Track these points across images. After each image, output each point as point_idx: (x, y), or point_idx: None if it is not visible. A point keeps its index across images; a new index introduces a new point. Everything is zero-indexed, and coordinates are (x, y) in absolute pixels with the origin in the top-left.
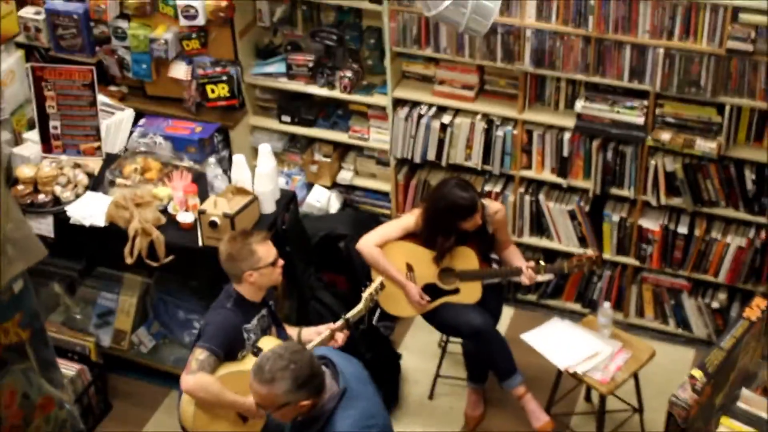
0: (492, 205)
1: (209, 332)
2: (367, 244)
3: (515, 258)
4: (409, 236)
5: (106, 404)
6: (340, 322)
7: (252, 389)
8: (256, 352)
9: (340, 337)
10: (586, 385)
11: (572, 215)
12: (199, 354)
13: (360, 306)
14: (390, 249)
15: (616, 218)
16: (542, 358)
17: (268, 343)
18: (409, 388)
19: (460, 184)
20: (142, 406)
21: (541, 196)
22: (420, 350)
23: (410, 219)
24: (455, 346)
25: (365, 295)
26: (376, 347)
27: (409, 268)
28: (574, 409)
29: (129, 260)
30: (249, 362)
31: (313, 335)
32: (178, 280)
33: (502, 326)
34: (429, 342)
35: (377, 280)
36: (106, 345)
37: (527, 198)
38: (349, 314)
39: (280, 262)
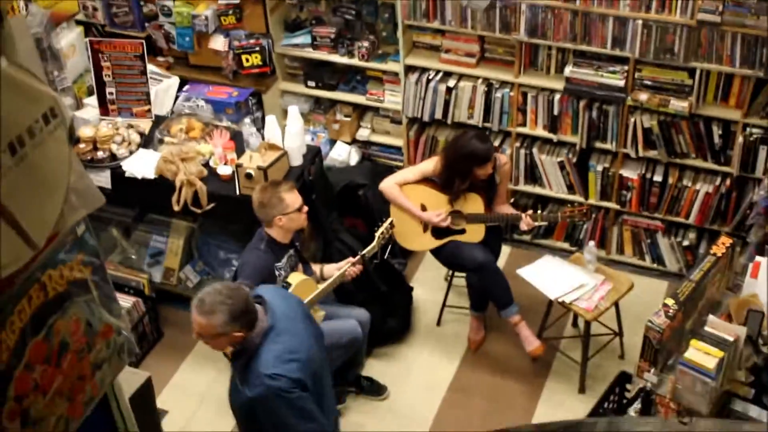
0: (502, 158)
1: (247, 271)
2: (389, 183)
3: (507, 212)
4: (425, 181)
5: (158, 331)
6: (357, 258)
7: (193, 319)
8: (286, 286)
9: (352, 271)
10: (573, 313)
11: (561, 166)
12: None
13: (373, 243)
14: (407, 190)
15: (600, 168)
16: (535, 290)
17: (296, 278)
18: (420, 317)
19: (480, 135)
20: (189, 333)
21: (535, 150)
22: (429, 283)
23: (429, 164)
24: (460, 280)
25: (378, 233)
26: (390, 281)
27: (423, 208)
28: (563, 334)
29: (176, 207)
30: None
31: (334, 270)
32: (218, 224)
33: (501, 262)
34: (437, 276)
35: (388, 220)
36: (158, 281)
37: (522, 151)
38: (365, 251)
39: (305, 208)
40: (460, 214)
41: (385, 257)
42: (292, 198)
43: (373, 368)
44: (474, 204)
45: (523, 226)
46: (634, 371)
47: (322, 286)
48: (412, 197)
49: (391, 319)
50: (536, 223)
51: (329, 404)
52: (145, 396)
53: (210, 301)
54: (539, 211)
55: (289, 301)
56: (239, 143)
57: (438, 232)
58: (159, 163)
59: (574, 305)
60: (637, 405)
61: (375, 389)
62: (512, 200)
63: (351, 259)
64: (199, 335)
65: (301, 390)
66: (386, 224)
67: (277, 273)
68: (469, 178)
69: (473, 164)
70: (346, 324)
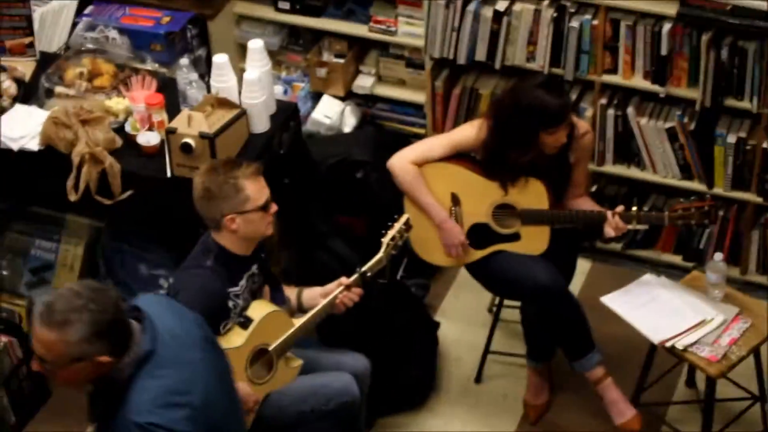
0: (581, 125)
1: (184, 300)
2: (402, 161)
3: (585, 208)
4: (459, 158)
5: (42, 390)
6: (353, 278)
7: (36, 337)
8: (245, 323)
9: (346, 298)
10: (688, 365)
11: (672, 135)
12: None
13: (379, 254)
14: (432, 172)
15: (731, 139)
16: (629, 329)
17: (260, 310)
18: (450, 368)
19: (550, 83)
20: None
21: (630, 110)
22: (464, 317)
23: (466, 131)
24: (511, 312)
25: (386, 239)
26: (406, 313)
27: (455, 200)
28: (672, 398)
29: (73, 197)
30: (235, 337)
31: (318, 297)
32: (139, 223)
33: (575, 286)
34: (476, 306)
35: (403, 216)
36: None
37: (611, 112)
38: (366, 266)
39: (274, 207)
40: (513, 211)
41: (398, 276)
42: (256, 189)
43: None
44: (534, 195)
45: (609, 231)
46: None
47: (300, 322)
48: (438, 181)
49: (407, 370)
50: (630, 226)
51: None
52: None
53: (63, 307)
54: (634, 208)
55: (182, 318)
56: (171, 97)
57: (478, 235)
58: (46, 127)
59: (690, 353)
60: None
61: None
62: (593, 189)
63: (344, 280)
64: (40, 361)
65: None
66: (399, 225)
67: (231, 303)
68: (531, 151)
69: (539, 127)
70: (334, 380)
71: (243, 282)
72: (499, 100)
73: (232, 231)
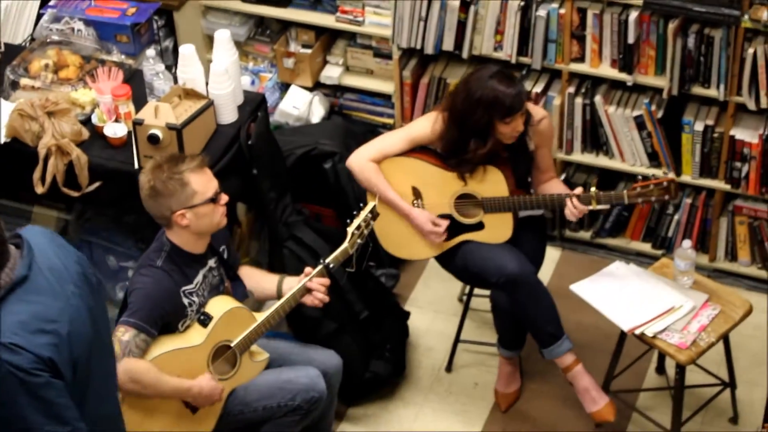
0: (536, 111)
1: (133, 303)
2: (360, 159)
3: (550, 192)
4: (418, 151)
5: None
6: (317, 268)
7: None
8: (204, 320)
9: (317, 299)
10: (658, 352)
11: (640, 123)
12: (123, 333)
13: (345, 244)
14: (391, 167)
15: (699, 127)
16: (598, 316)
17: (220, 307)
18: (420, 358)
19: (504, 73)
20: None
21: (598, 99)
22: (434, 306)
23: (423, 125)
24: (481, 300)
25: (351, 228)
26: (375, 303)
27: (416, 193)
28: (642, 385)
29: (40, 189)
30: (194, 335)
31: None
32: (107, 215)
33: (545, 274)
34: (446, 295)
35: (369, 205)
36: None
37: (578, 101)
38: (331, 257)
39: (224, 198)
40: (475, 201)
41: (364, 266)
42: (202, 182)
43: None
44: (493, 183)
45: (569, 214)
46: None
47: (262, 317)
48: (398, 176)
49: (376, 361)
50: (589, 208)
51: (101, 414)
52: None
53: None
54: (593, 189)
55: (63, 252)
56: (138, 88)
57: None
58: (12, 119)
59: (659, 340)
60: None
61: None
62: (562, 177)
63: (309, 271)
64: None
65: (52, 376)
66: (365, 212)
67: (186, 302)
68: (489, 142)
69: (495, 117)
70: (301, 375)
71: (198, 278)
72: (453, 94)
73: (184, 227)
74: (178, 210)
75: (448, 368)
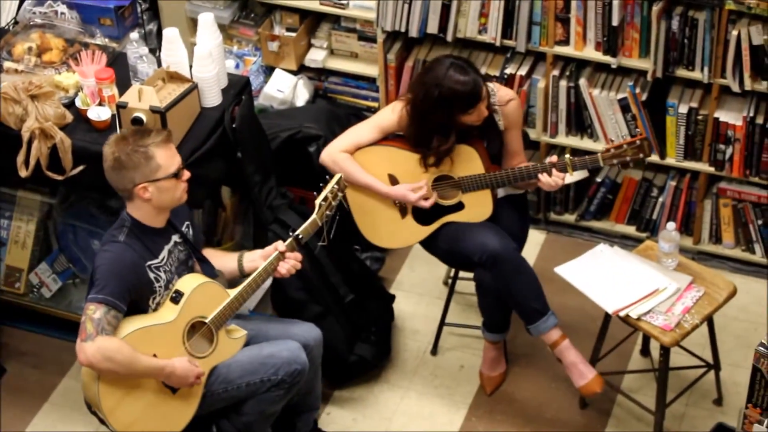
0: (502, 92)
1: (99, 279)
2: (332, 152)
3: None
4: (390, 138)
5: None
6: (287, 242)
7: None
8: (176, 297)
9: (285, 268)
10: (642, 335)
11: (624, 106)
12: (93, 311)
13: (313, 215)
14: (365, 157)
15: (683, 110)
16: (583, 299)
17: (191, 283)
18: (406, 341)
19: (457, 64)
20: (45, 368)
21: (582, 81)
22: (420, 290)
23: (389, 115)
24: (466, 284)
25: (318, 199)
26: (360, 286)
27: (393, 180)
28: (627, 367)
29: (23, 173)
30: (167, 312)
31: (259, 261)
32: (91, 198)
33: (530, 255)
34: (432, 278)
35: (334, 177)
36: None
37: (563, 84)
38: (300, 228)
39: (186, 174)
40: (452, 181)
41: (332, 236)
42: (167, 156)
43: (335, 421)
44: (467, 162)
45: (547, 184)
46: (738, 423)
47: (235, 292)
48: (373, 167)
49: (362, 344)
50: (565, 176)
51: None
52: None
53: None
54: (567, 156)
55: None
56: (122, 71)
57: (423, 213)
58: None
59: (644, 322)
60: None
61: None
62: (547, 161)
63: (279, 245)
64: None
65: None
66: (332, 183)
67: (153, 276)
68: (452, 133)
69: (454, 110)
70: (282, 348)
71: (164, 254)
72: (412, 96)
73: (146, 200)
74: (141, 183)
75: (434, 351)
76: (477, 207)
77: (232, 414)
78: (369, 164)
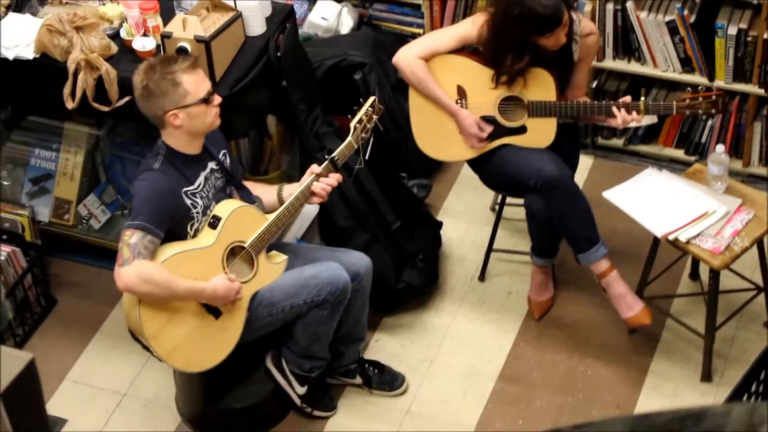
0: (586, 23)
1: (135, 207)
2: (408, 55)
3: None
4: (465, 51)
5: (48, 298)
6: (324, 165)
7: None
8: (214, 222)
9: (320, 187)
10: (692, 258)
11: (672, 29)
12: (129, 237)
13: (349, 138)
14: (438, 65)
15: (732, 31)
16: (632, 223)
17: (228, 208)
18: (453, 267)
19: None
20: (94, 299)
21: (630, 4)
22: (467, 216)
23: (468, 29)
24: (514, 210)
25: (353, 122)
26: (407, 213)
27: (461, 92)
28: (676, 291)
29: (70, 104)
30: (205, 238)
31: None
32: (138, 129)
33: (578, 180)
34: (479, 205)
35: (369, 100)
36: (45, 220)
37: (610, 6)
38: (336, 151)
39: (217, 99)
40: (520, 103)
41: (367, 157)
42: (195, 81)
43: (383, 348)
44: (542, 87)
45: (618, 122)
46: None
47: (273, 216)
48: (444, 74)
49: (409, 271)
50: (641, 119)
51: None
52: (26, 391)
53: None
54: (642, 98)
55: None
56: (166, 1)
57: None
58: (40, 34)
59: (693, 246)
60: None
61: (386, 380)
62: (594, 85)
63: (314, 168)
64: None
65: None
66: (366, 107)
67: (189, 202)
68: (527, 55)
69: (532, 31)
70: (323, 269)
71: (200, 180)
72: (493, 11)
73: (177, 127)
74: (171, 110)
75: (482, 277)
76: (540, 133)
77: (288, 341)
78: (440, 72)
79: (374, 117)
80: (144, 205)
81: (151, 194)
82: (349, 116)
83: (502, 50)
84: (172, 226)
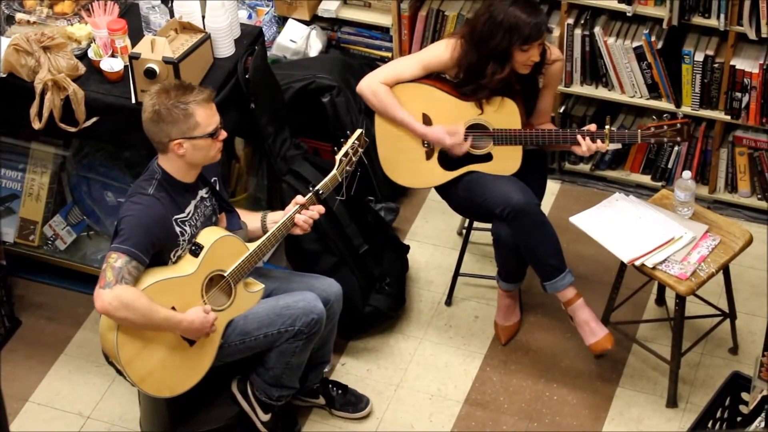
0: (553, 51)
1: (125, 230)
2: (372, 81)
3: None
4: (431, 78)
5: (12, 320)
6: (307, 197)
7: None
8: (196, 250)
9: (302, 219)
10: (658, 283)
11: (640, 55)
12: (115, 260)
13: (333, 171)
14: (402, 93)
15: (699, 57)
16: (598, 248)
17: (211, 236)
18: (420, 291)
19: (526, 1)
20: (59, 321)
21: (598, 30)
22: (434, 240)
23: (440, 50)
24: (481, 234)
25: (339, 155)
26: (374, 237)
27: (427, 120)
28: (642, 316)
29: (37, 125)
30: (186, 265)
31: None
32: (105, 150)
33: (544, 205)
34: (446, 228)
35: (355, 133)
36: (10, 240)
37: (578, 32)
38: (320, 183)
39: (223, 134)
40: (485, 131)
41: (353, 191)
42: (206, 115)
43: (350, 372)
44: (507, 115)
45: (582, 150)
46: (754, 371)
47: (254, 246)
48: (409, 104)
49: (376, 295)
50: (603, 146)
51: None
52: None
53: None
54: (607, 127)
55: None
56: (134, 22)
57: (449, 158)
58: (8, 54)
59: (659, 271)
60: (759, 423)
61: (350, 401)
62: (561, 110)
63: (299, 200)
64: None
65: None
66: (351, 140)
67: (178, 230)
68: (506, 67)
69: (514, 42)
70: (298, 299)
71: (190, 209)
72: (474, 18)
73: (179, 156)
74: (177, 139)
75: (448, 302)
76: (505, 161)
77: (260, 368)
78: (405, 100)
79: (360, 150)
80: (135, 230)
81: (143, 220)
82: (334, 148)
83: (484, 59)
84: (158, 250)
